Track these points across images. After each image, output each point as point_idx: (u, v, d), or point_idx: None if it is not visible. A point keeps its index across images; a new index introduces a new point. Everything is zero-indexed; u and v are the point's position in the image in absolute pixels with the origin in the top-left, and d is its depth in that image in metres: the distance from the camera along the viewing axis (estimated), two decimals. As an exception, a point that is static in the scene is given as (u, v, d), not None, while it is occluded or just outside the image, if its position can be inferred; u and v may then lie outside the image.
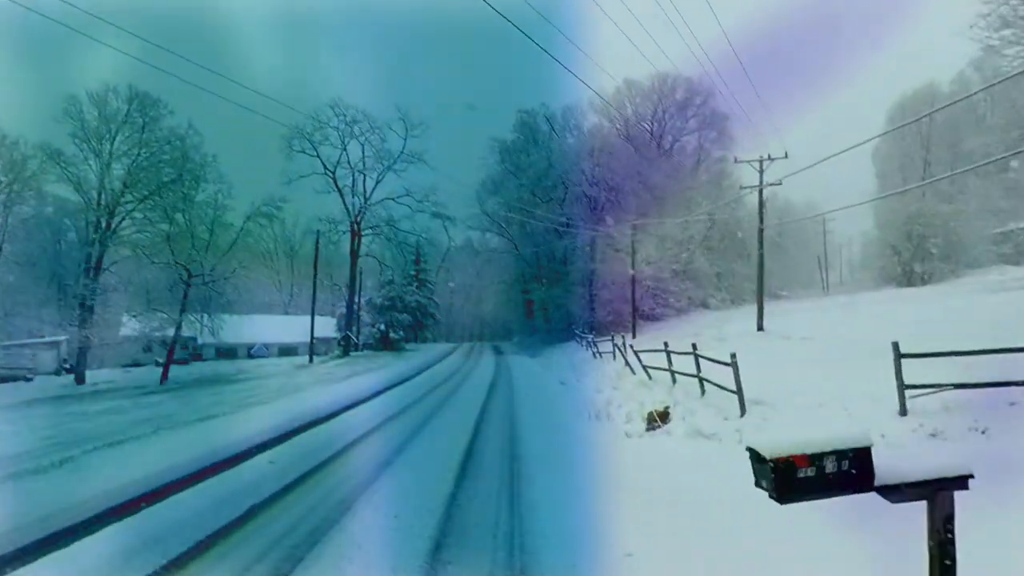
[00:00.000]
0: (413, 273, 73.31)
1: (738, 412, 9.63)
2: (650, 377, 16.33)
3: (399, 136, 41.97)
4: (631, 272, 33.15)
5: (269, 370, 36.87)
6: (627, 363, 19.72)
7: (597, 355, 25.96)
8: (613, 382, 18.49)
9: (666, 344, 14.49)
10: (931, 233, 50.14)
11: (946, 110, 60.55)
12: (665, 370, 14.89)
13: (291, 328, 51.46)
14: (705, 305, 51.13)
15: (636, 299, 38.29)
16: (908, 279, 49.76)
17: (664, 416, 11.11)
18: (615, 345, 21.73)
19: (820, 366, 14.33)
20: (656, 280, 39.35)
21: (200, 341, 50.12)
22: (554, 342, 39.33)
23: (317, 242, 38.36)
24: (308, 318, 56.04)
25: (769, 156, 30.79)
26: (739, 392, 9.58)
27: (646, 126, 55.98)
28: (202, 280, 34.70)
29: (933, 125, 59.82)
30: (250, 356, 48.65)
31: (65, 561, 5.43)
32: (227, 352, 49.54)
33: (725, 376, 11.07)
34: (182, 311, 34.57)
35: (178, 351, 53.38)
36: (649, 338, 30.93)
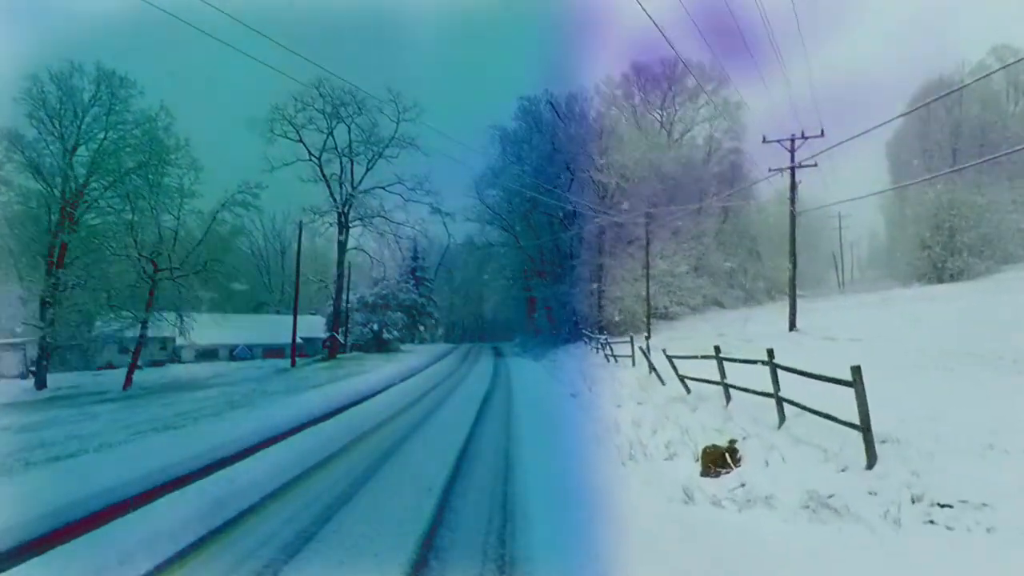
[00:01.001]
0: (410, 270, 70.04)
1: (860, 458, 6.22)
2: (688, 390, 12.91)
3: (391, 120, 38.53)
4: (645, 266, 29.75)
5: (245, 374, 33.55)
6: (652, 370, 16.31)
7: (612, 359, 22.56)
8: (637, 395, 15.08)
9: (717, 349, 11.07)
10: (964, 226, 46.69)
11: (973, 102, 57.36)
12: (709, 382, 11.48)
13: (278, 328, 48.12)
14: (719, 304, 47.92)
15: (651, 295, 34.96)
16: (938, 275, 46.37)
17: (731, 457, 7.68)
18: (640, 349, 18.27)
19: (901, 378, 10.96)
20: (671, 275, 35.95)
21: (179, 342, 46.79)
22: (559, 343, 35.94)
23: (300, 234, 34.99)
24: (302, 318, 52.77)
25: (803, 134, 27.44)
26: (865, 427, 6.13)
27: (656, 115, 52.58)
28: (170, 275, 31.35)
29: (959, 116, 56.87)
30: (232, 358, 45.31)
31: None
32: (208, 354, 46.20)
33: (800, 390, 7.68)
34: (147, 309, 31.19)
35: (156, 352, 50.18)
36: (664, 339, 27.54)
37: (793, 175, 27.41)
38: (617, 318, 33.71)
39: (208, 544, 5.75)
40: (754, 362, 8.96)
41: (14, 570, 5.29)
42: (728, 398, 10.68)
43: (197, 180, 32.21)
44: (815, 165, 27.78)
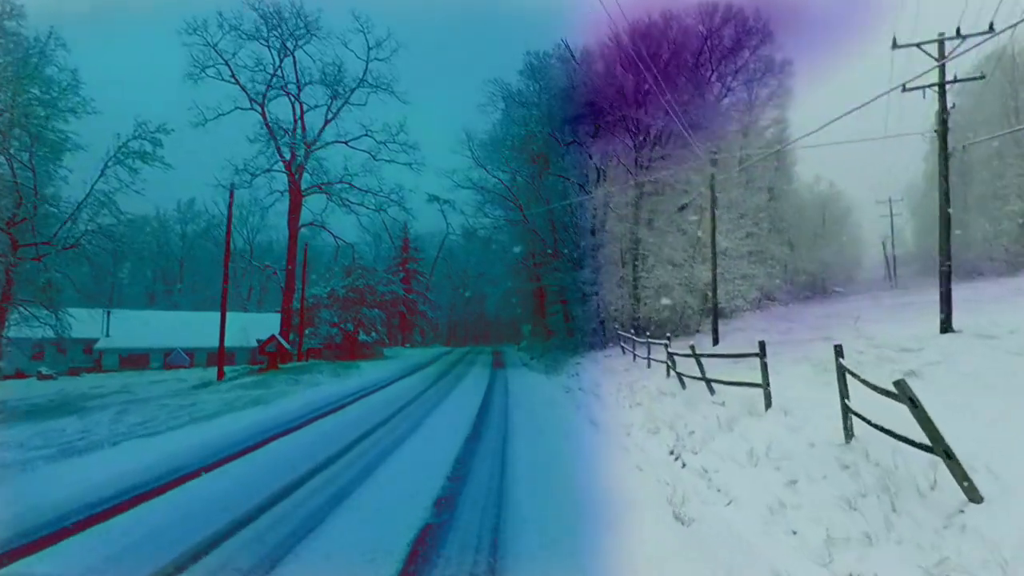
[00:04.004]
0: (400, 261, 60.75)
1: None
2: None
3: (358, 57, 29.36)
4: (711, 236, 20.21)
5: (154, 391, 24.34)
6: (768, 400, 6.90)
7: (676, 377, 13.12)
8: (800, 474, 5.72)
9: None
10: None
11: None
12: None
13: (228, 328, 39.04)
14: (770, 298, 38.90)
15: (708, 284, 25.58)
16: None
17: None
18: (763, 364, 8.78)
19: None
20: (732, 259, 26.51)
21: (101, 345, 37.84)
22: (580, 348, 26.58)
23: (231, 202, 25.82)
24: (260, 316, 43.64)
25: (958, 32, 17.83)
26: None
27: (686, 77, 43.11)
28: (35, 253, 22.46)
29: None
30: (166, 365, 36.33)
31: None
32: (136, 359, 37.25)
33: None
34: (2, 300, 22.25)
35: (80, 358, 41.30)
36: (729, 344, 18.30)
37: (944, 93, 17.87)
38: (664, 314, 24.26)
39: None
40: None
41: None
42: None
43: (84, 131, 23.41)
44: (982, 77, 18.31)
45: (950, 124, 17.58)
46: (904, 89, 18.40)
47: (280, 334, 30.64)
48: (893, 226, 64.80)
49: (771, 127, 46.03)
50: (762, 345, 8.64)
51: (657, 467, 7.91)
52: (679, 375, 12.60)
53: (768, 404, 8.56)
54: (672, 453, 8.57)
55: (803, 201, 54.30)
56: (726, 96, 46.70)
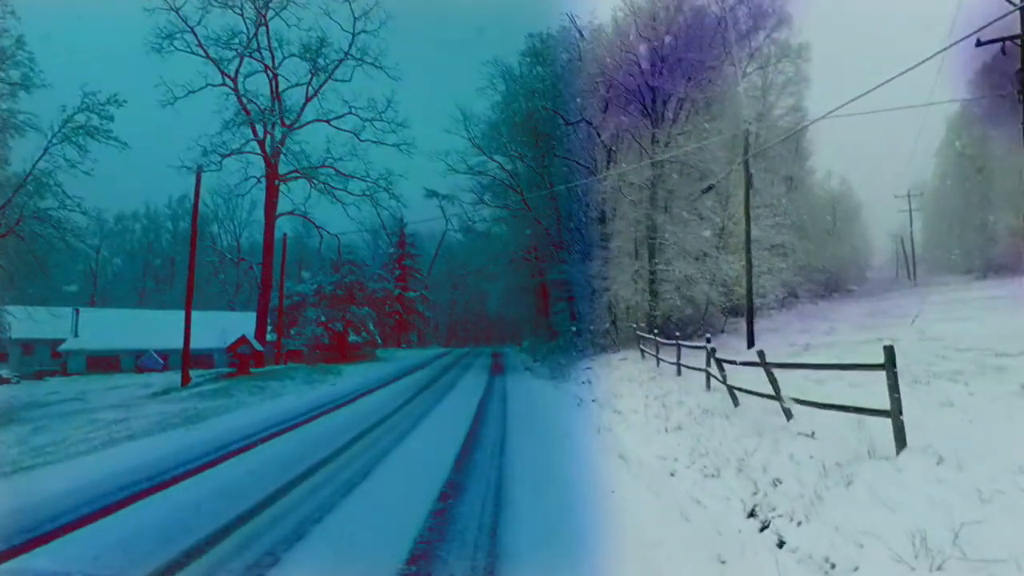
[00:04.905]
0: (395, 257, 57.83)
1: None
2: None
3: (343, 29, 26.48)
4: (746, 221, 17.23)
5: (108, 398, 21.42)
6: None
7: (723, 390, 10.17)
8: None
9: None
10: None
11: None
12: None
13: (208, 328, 36.20)
14: (793, 294, 36.04)
15: (733, 280, 22.73)
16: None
17: None
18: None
19: None
20: (758, 251, 23.48)
21: (68, 346, 34.98)
22: (587, 350, 23.60)
23: (197, 185, 22.88)
24: (247, 315, 40.68)
25: (1047, -30, 14.88)
26: None
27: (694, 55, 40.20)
28: (-35, 240, 19.64)
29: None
30: (138, 368, 33.43)
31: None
32: (105, 362, 34.36)
33: None
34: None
35: (48, 360, 38.44)
36: (766, 347, 15.39)
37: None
38: (686, 311, 21.26)
39: None
40: None
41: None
42: None
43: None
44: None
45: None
46: (979, 43, 15.40)
47: (255, 334, 27.75)
48: (912, 221, 61.80)
49: (787, 114, 42.96)
50: (889, 352, 5.63)
51: (734, 544, 4.94)
52: (730, 388, 9.60)
53: (901, 442, 5.56)
54: (754, 516, 5.59)
55: (815, 196, 52.07)
56: (741, 80, 43.62)
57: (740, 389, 9.28)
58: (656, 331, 19.41)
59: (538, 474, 7.73)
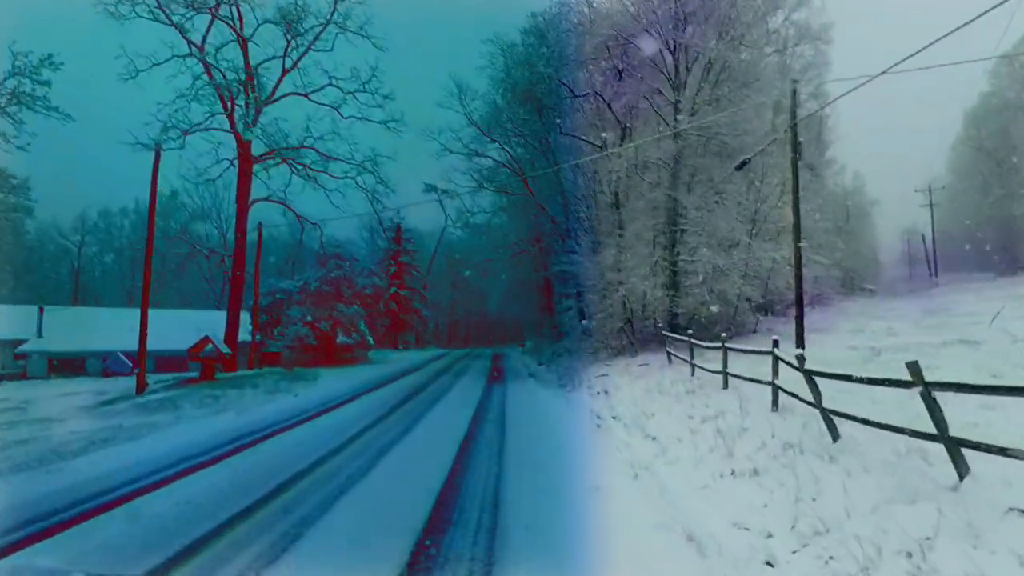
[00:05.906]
0: (391, 253, 54.85)
1: None
2: None
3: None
4: (794, 198, 14.26)
5: (52, 408, 18.60)
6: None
7: (813, 414, 7.26)
8: None
9: None
10: None
11: None
12: None
13: (186, 329, 33.31)
14: (820, 292, 33.27)
15: (755, 276, 19.87)
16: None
17: None
18: None
19: None
20: (805, 237, 20.50)
21: (29, 348, 32.10)
22: (599, 353, 20.58)
23: (156, 163, 20.00)
24: (220, 314, 37.83)
25: None
26: None
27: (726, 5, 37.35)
28: None
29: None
30: (105, 372, 30.57)
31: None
32: (69, 364, 31.49)
33: None
34: None
35: (10, 363, 35.62)
36: (817, 352, 12.51)
37: None
38: (712, 308, 18.24)
39: None
40: None
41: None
42: None
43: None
44: None
45: None
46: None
47: (226, 335, 24.87)
48: (933, 217, 58.67)
49: (807, 101, 39.97)
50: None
51: None
52: (825, 413, 6.62)
53: None
54: None
55: (828, 191, 49.77)
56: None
57: (833, 411, 6.29)
58: (689, 331, 16.44)
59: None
